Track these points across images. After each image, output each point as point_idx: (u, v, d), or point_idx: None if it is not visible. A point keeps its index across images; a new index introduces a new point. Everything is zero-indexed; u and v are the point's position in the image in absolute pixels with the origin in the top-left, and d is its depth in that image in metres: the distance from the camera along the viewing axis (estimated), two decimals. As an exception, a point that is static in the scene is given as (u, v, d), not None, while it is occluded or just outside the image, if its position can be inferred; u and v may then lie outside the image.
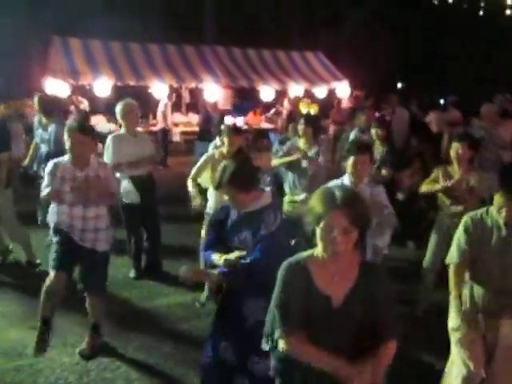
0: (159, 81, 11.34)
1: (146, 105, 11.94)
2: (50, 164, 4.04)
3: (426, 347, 4.03)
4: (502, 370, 3.02)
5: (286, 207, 5.44)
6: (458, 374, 3.08)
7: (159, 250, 5.93)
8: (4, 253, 6.02)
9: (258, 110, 14.22)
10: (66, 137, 3.96)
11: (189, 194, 5.06)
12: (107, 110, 11.45)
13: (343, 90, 12.86)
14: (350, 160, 4.20)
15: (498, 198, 2.95)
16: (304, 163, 5.45)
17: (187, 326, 4.67)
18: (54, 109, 6.53)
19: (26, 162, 6.80)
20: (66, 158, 4.02)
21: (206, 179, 4.99)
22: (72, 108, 10.18)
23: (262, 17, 19.63)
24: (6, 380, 3.81)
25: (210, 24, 17.45)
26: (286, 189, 5.64)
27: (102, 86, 10.60)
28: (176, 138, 13.42)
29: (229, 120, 11.32)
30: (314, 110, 12.19)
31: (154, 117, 12.93)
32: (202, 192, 5.14)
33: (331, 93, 12.95)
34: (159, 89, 11.47)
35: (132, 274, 5.76)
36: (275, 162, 5.76)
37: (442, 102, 14.58)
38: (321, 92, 12.84)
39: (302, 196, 5.25)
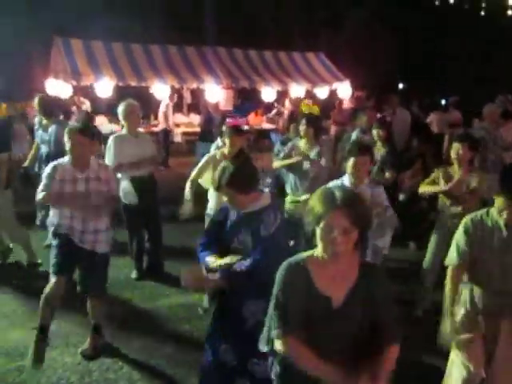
0: (160, 81, 11.36)
1: (148, 105, 11.97)
2: (49, 167, 4.02)
3: (426, 347, 4.03)
4: (502, 369, 3.02)
5: (288, 206, 5.46)
6: (458, 376, 3.08)
7: (161, 251, 5.94)
8: (4, 253, 6.03)
9: (259, 110, 14.23)
10: (66, 138, 3.94)
11: (184, 195, 5.04)
12: (109, 110, 11.48)
13: (344, 90, 12.87)
14: (351, 161, 4.21)
15: (499, 201, 2.93)
16: (305, 165, 5.46)
17: (189, 327, 4.68)
18: (54, 110, 6.53)
19: (27, 162, 6.80)
20: (66, 159, 4.01)
21: (207, 180, 4.99)
22: (74, 109, 10.21)
23: (262, 17, 19.62)
24: (8, 380, 3.83)
25: (210, 24, 17.47)
26: (288, 190, 5.64)
27: (104, 86, 10.62)
28: (177, 138, 13.45)
29: (230, 121, 11.33)
30: (315, 110, 12.19)
31: (156, 117, 12.95)
32: (203, 194, 5.15)
33: (332, 93, 12.96)
34: (160, 89, 11.49)
35: (134, 274, 5.77)
36: (276, 164, 5.77)
37: (443, 102, 14.59)
38: (322, 93, 12.84)
39: (305, 197, 5.26)
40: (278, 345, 2.24)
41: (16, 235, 5.90)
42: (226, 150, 4.97)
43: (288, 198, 5.58)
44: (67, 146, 3.94)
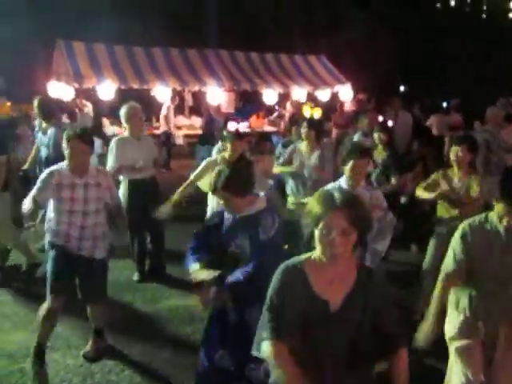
0: (162, 84, 11.37)
1: (150, 108, 11.99)
2: (45, 172, 3.93)
3: (426, 349, 4.03)
4: (502, 375, 3.01)
5: (289, 208, 5.47)
6: (457, 382, 3.06)
7: (163, 254, 5.95)
8: (3, 254, 6.01)
9: (260, 113, 14.24)
10: (64, 144, 3.85)
11: (176, 194, 5.08)
12: (111, 113, 11.50)
13: (346, 93, 12.87)
14: (351, 163, 4.16)
15: (499, 206, 2.88)
16: (305, 172, 5.47)
17: (190, 329, 4.68)
18: (53, 112, 6.48)
19: (27, 165, 6.72)
20: (64, 164, 3.91)
21: (205, 183, 5.01)
22: (76, 111, 10.24)
23: (262, 17, 19.64)
24: (11, 382, 3.84)
25: (210, 24, 17.49)
26: (289, 191, 5.66)
27: (106, 89, 10.64)
28: (179, 141, 13.45)
29: (232, 125, 11.36)
30: (317, 113, 12.20)
31: (157, 120, 12.97)
32: (203, 195, 5.17)
33: (334, 96, 12.97)
34: (162, 92, 11.51)
35: (135, 276, 5.78)
36: (276, 169, 5.75)
37: (444, 105, 14.60)
38: (324, 95, 12.85)
39: (306, 199, 5.27)
40: (265, 347, 2.20)
41: (8, 237, 5.85)
42: (226, 155, 4.99)
43: (289, 200, 5.60)
44: (65, 151, 3.85)
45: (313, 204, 2.18)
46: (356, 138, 7.20)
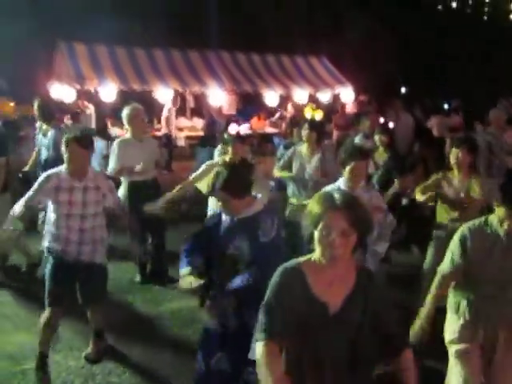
0: (163, 85, 11.37)
1: (151, 110, 11.98)
2: (43, 176, 3.90)
3: (426, 350, 4.03)
4: (501, 378, 3.02)
5: (290, 208, 5.48)
6: None
7: (164, 256, 5.94)
8: (3, 255, 6.00)
9: (262, 114, 14.24)
10: (63, 148, 3.82)
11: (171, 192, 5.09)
12: (112, 114, 11.51)
13: (347, 94, 12.87)
14: (350, 165, 4.15)
15: (500, 210, 2.88)
16: (306, 175, 5.47)
17: (191, 331, 4.69)
18: (53, 114, 6.47)
19: (28, 167, 6.67)
20: (63, 168, 3.88)
21: (204, 185, 5.01)
22: (79, 112, 10.26)
23: (263, 17, 19.64)
24: (12, 383, 3.84)
25: (210, 25, 17.51)
26: (290, 193, 5.67)
27: (108, 90, 10.65)
28: (181, 142, 13.45)
29: (233, 127, 11.37)
30: (318, 115, 12.20)
31: (159, 121, 12.97)
32: (204, 197, 5.17)
33: (335, 97, 12.96)
34: (164, 93, 11.51)
35: (137, 278, 5.78)
36: (277, 173, 5.74)
37: (446, 106, 14.60)
38: (325, 97, 12.85)
39: (308, 201, 5.27)
40: (257, 347, 2.18)
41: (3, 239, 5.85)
42: (227, 158, 5.00)
43: (290, 201, 5.60)
44: (64, 155, 3.83)
45: (312, 205, 2.17)
46: (357, 139, 7.20)
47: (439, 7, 28.36)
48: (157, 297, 5.43)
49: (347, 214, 2.07)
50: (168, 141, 12.20)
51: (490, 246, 2.95)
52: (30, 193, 3.87)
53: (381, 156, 6.23)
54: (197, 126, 13.70)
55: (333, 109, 12.69)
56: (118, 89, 10.79)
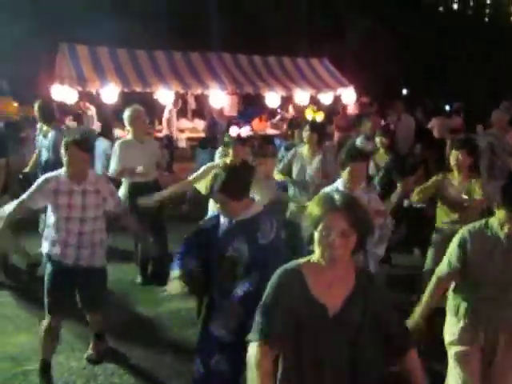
0: (165, 87, 11.39)
1: (152, 111, 12.00)
2: (41, 179, 3.86)
3: (425, 350, 4.03)
4: (500, 380, 3.02)
5: (292, 209, 5.48)
6: None
7: (166, 257, 5.93)
8: (3, 255, 5.98)
9: (263, 116, 14.25)
10: (62, 150, 3.78)
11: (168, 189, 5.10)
12: (114, 116, 11.53)
13: (349, 96, 12.88)
14: (350, 167, 4.13)
15: (500, 213, 2.87)
16: (306, 176, 5.48)
17: (192, 332, 4.67)
18: (54, 115, 6.46)
19: (28, 168, 6.68)
20: (63, 171, 3.84)
21: (203, 186, 5.02)
22: (81, 114, 10.29)
23: (263, 17, 19.65)
24: (14, 384, 3.86)
25: (212, 27, 17.52)
26: (290, 194, 5.67)
27: (109, 92, 10.67)
28: (182, 144, 13.47)
29: (234, 128, 11.37)
30: (319, 116, 12.21)
31: (160, 123, 12.99)
32: (204, 198, 5.17)
33: (337, 99, 12.97)
34: (165, 95, 11.53)
35: (138, 279, 5.79)
36: (277, 176, 5.73)
37: (447, 108, 14.58)
38: (326, 98, 12.86)
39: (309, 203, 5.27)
40: (249, 348, 2.16)
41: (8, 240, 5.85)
42: (228, 160, 5.00)
43: (292, 203, 5.60)
44: (64, 159, 3.79)
45: (312, 206, 2.17)
46: (358, 141, 7.20)
47: (440, 8, 28.36)
48: (157, 297, 5.42)
49: (347, 215, 2.07)
50: (169, 142, 12.21)
51: (490, 248, 2.94)
52: (26, 194, 3.83)
53: (382, 158, 6.24)
54: (198, 127, 13.72)
55: (334, 110, 12.69)
56: (120, 90, 10.81)
